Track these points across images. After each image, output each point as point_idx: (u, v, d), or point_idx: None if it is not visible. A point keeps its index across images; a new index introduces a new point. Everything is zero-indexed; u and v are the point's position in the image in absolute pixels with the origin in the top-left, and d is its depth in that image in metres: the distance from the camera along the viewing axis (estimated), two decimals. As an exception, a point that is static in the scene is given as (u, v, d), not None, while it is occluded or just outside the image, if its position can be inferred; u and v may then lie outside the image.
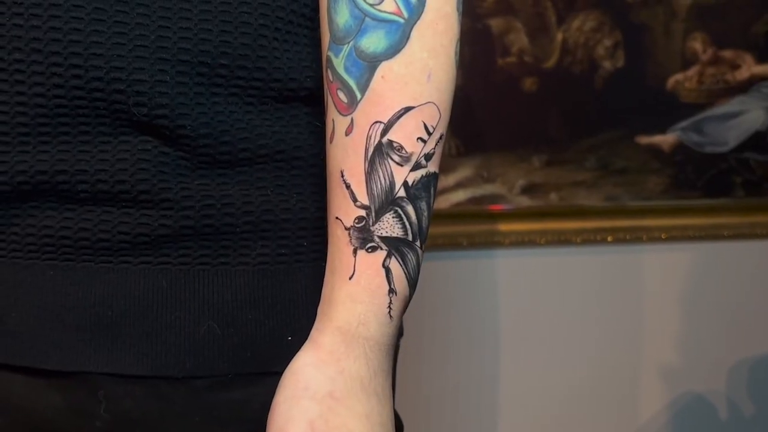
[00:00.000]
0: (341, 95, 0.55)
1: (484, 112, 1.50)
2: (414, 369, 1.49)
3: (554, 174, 1.53)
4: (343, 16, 0.55)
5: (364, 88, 0.54)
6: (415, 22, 0.53)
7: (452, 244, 1.52)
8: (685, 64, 1.53)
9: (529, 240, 1.54)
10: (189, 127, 0.55)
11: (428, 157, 0.54)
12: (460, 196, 1.51)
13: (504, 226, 1.54)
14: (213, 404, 0.56)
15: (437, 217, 1.49)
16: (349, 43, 0.54)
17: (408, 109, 0.53)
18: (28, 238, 0.56)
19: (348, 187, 0.54)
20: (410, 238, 0.54)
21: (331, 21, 0.56)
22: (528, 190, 1.53)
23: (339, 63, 0.55)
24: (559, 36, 1.50)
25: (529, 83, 1.50)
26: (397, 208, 0.53)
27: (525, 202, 1.53)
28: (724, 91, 1.55)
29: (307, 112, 0.60)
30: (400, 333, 0.67)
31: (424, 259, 0.54)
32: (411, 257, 0.54)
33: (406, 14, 0.53)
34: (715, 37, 1.53)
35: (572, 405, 1.60)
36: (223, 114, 0.56)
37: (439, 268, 1.52)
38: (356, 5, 0.54)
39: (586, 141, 1.53)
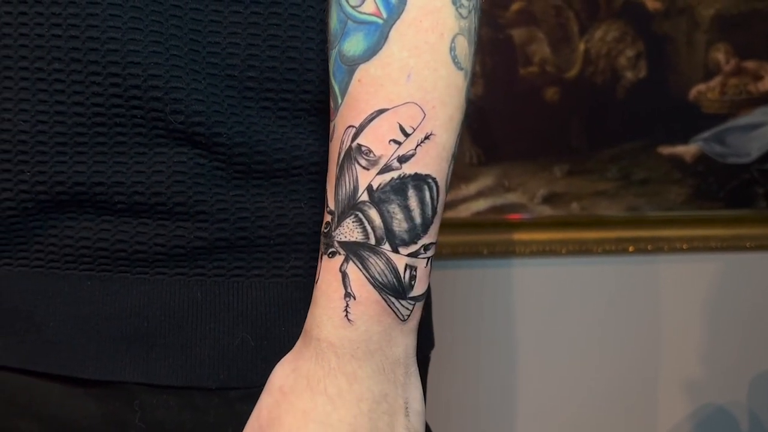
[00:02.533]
0: (331, 101, 0.55)
1: (506, 122, 1.51)
2: (432, 376, 1.49)
3: (575, 184, 1.53)
4: (332, 20, 0.54)
5: (344, 93, 0.53)
6: (395, 22, 0.51)
7: (473, 252, 1.53)
8: (708, 75, 1.53)
9: (549, 249, 1.54)
10: (225, 135, 0.56)
11: (404, 158, 0.52)
12: (481, 204, 1.52)
13: (524, 236, 1.54)
14: (245, 415, 0.56)
15: (458, 225, 1.50)
16: (335, 47, 0.54)
17: (381, 112, 0.52)
18: (65, 249, 0.57)
19: (326, 193, 0.55)
20: (372, 242, 0.52)
21: (326, 26, 0.56)
22: (549, 199, 1.53)
23: (330, 68, 0.55)
24: (582, 46, 1.50)
25: (551, 93, 1.51)
26: (357, 213, 0.52)
27: (546, 211, 1.53)
28: (746, 101, 1.54)
29: None
30: (430, 344, 0.67)
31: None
32: (375, 261, 0.52)
33: (385, 14, 0.52)
34: (737, 47, 1.53)
35: (591, 416, 1.59)
36: (258, 125, 0.57)
37: (459, 276, 1.53)
38: (341, 8, 0.53)
39: (607, 151, 1.53)
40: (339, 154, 0.53)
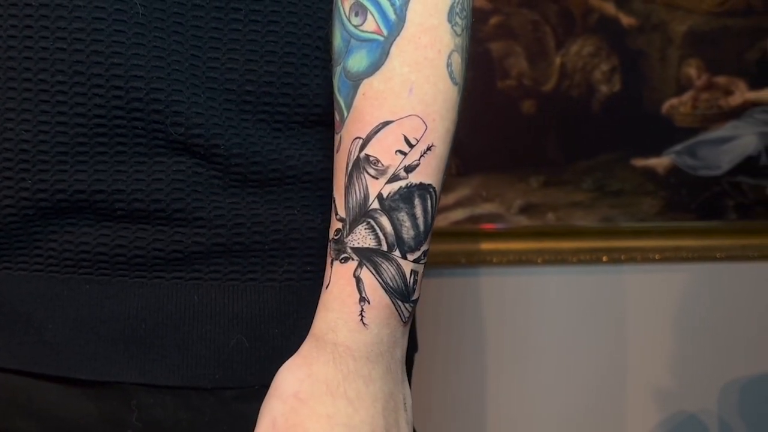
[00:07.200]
0: (336, 114, 0.57)
1: (484, 134, 1.53)
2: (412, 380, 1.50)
3: (551, 195, 1.55)
4: (336, 39, 0.57)
5: (349, 106, 0.56)
6: (395, 39, 0.54)
7: (451, 261, 1.54)
8: (680, 90, 1.55)
9: (526, 259, 1.56)
10: (222, 147, 0.58)
11: (410, 168, 0.54)
12: (459, 214, 1.53)
13: (501, 245, 1.55)
14: (240, 414, 0.58)
15: (436, 234, 1.49)
16: (340, 64, 0.57)
17: (386, 124, 0.54)
18: (65, 254, 0.58)
19: (333, 201, 0.57)
20: (384, 248, 0.54)
21: (330, 44, 0.58)
22: (526, 210, 1.55)
23: (335, 84, 0.57)
24: (558, 60, 1.53)
25: (527, 106, 1.53)
26: (369, 220, 0.54)
27: (522, 221, 1.55)
28: (717, 116, 1.57)
29: (332, 136, 0.61)
30: (414, 347, 0.69)
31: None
32: (387, 267, 0.55)
33: (385, 32, 0.54)
34: (709, 63, 1.55)
35: (564, 424, 1.61)
36: (254, 137, 0.59)
37: (438, 285, 1.54)
38: (344, 28, 0.56)
39: (582, 163, 1.55)
40: (347, 164, 0.55)
